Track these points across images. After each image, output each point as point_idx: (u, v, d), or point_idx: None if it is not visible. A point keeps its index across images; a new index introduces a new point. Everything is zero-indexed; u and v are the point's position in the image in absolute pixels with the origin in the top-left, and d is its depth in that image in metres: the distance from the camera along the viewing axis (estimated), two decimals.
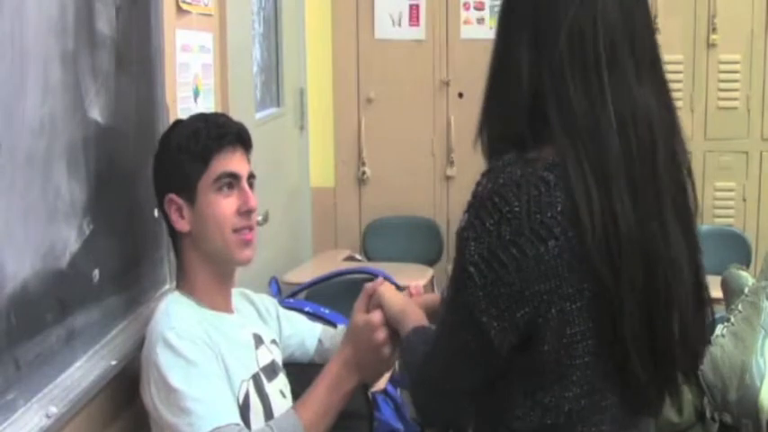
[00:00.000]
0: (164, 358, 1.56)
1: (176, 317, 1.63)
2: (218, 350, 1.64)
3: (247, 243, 1.71)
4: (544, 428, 1.22)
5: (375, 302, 1.60)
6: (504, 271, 1.15)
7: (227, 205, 1.69)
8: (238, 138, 1.73)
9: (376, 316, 1.57)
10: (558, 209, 1.14)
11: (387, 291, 1.60)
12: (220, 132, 1.70)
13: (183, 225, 1.70)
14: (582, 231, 1.15)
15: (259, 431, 1.58)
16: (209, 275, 1.73)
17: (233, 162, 1.70)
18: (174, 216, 1.70)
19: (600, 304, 1.17)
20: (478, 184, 1.19)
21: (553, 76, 1.17)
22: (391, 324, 1.56)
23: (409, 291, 1.65)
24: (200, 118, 1.77)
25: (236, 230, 1.69)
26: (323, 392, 1.61)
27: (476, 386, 1.27)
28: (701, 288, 1.28)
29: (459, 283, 1.19)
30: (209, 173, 1.68)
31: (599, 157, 1.16)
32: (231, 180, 1.70)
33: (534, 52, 1.19)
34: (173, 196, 1.70)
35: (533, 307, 1.16)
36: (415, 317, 1.48)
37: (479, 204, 1.17)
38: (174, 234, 1.74)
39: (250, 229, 1.71)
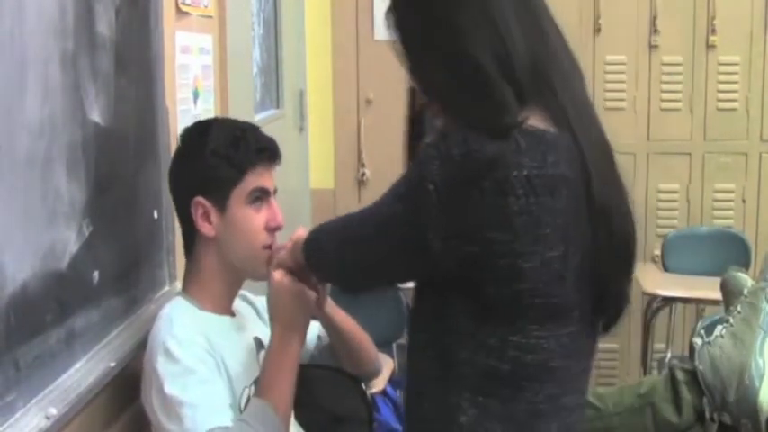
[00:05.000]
0: (163, 366, 1.57)
1: (178, 324, 1.63)
2: (220, 357, 1.64)
3: (269, 260, 1.72)
4: (490, 374, 1.22)
5: (276, 264, 1.65)
6: (461, 205, 1.17)
7: (258, 220, 1.71)
8: (275, 155, 1.74)
9: (276, 275, 1.63)
10: (525, 173, 1.17)
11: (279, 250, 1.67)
12: (260, 146, 1.71)
13: (209, 229, 1.70)
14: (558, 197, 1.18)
15: (236, 428, 1.55)
16: (224, 281, 1.74)
17: (264, 177, 1.72)
18: (199, 219, 1.70)
19: (554, 269, 1.20)
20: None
21: None
22: (295, 261, 1.60)
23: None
24: (236, 126, 1.76)
25: (265, 247, 1.72)
26: (272, 368, 1.62)
27: (395, 279, 1.41)
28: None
29: (411, 190, 1.23)
30: (243, 185, 1.69)
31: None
32: (262, 195, 1.72)
33: None
34: (201, 199, 1.69)
35: (481, 250, 1.18)
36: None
37: (450, 135, 1.21)
38: (193, 236, 1.73)
39: (271, 246, 1.73)
